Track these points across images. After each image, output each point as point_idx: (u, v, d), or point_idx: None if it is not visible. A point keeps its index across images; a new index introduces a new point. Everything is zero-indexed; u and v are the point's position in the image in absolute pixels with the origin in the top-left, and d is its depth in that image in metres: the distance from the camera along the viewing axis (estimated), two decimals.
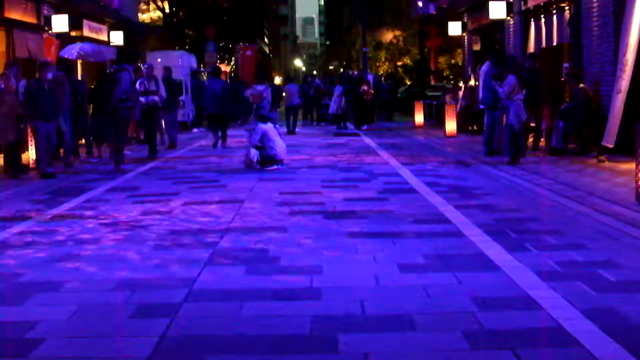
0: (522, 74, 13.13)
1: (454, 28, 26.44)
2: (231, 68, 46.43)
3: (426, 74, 37.52)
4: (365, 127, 24.17)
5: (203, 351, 4.04)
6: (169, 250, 6.55)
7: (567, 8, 16.32)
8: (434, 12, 33.62)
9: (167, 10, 42.21)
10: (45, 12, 19.99)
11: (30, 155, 12.72)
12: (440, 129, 20.65)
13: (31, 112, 11.84)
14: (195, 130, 24.29)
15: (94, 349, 4.13)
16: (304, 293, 5.10)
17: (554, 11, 17.21)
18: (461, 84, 24.15)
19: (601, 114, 13.04)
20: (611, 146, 11.74)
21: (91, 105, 15.79)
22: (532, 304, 4.70)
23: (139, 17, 37.24)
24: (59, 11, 20.45)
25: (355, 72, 36.23)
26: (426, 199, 9.13)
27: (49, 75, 12.38)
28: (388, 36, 46.39)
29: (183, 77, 24.48)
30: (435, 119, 24.71)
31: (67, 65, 16.34)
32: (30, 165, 12.59)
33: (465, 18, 26.15)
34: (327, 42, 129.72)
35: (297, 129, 23.25)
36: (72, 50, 18.86)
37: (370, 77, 30.54)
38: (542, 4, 17.69)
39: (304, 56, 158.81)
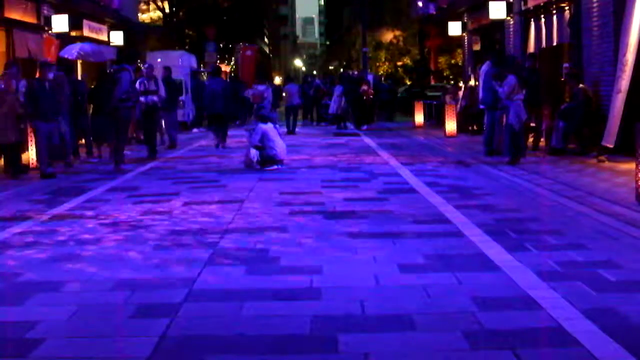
0: (522, 74, 13.12)
1: (454, 28, 26.43)
2: (231, 68, 46.45)
3: (426, 74, 37.50)
4: (365, 127, 24.17)
5: (203, 351, 4.04)
6: (169, 250, 6.55)
7: (567, 8, 16.31)
8: (434, 12, 33.60)
9: (167, 10, 42.21)
10: (45, 12, 19.97)
11: (30, 155, 12.72)
12: (440, 129, 20.65)
13: (32, 112, 11.85)
14: (195, 130, 24.29)
15: (94, 349, 4.13)
16: (304, 293, 5.10)
17: (554, 11, 17.20)
18: (461, 84, 24.15)
19: (601, 114, 13.04)
20: (611, 146, 11.74)
21: (91, 105, 15.79)
22: (532, 304, 4.70)
23: (139, 17, 37.22)
24: (59, 11, 20.43)
25: (355, 72, 36.21)
26: (426, 199, 9.13)
27: (50, 75, 12.39)
28: (388, 36, 46.40)
29: (183, 77, 24.50)
30: (435, 119, 24.70)
31: (67, 65, 16.34)
32: (31, 165, 12.60)
33: (465, 18, 26.13)
34: (327, 42, 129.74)
35: (297, 129, 23.25)
36: (72, 50, 18.83)
37: (370, 77, 30.52)
38: (542, 4, 17.69)
39: (304, 56, 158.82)
